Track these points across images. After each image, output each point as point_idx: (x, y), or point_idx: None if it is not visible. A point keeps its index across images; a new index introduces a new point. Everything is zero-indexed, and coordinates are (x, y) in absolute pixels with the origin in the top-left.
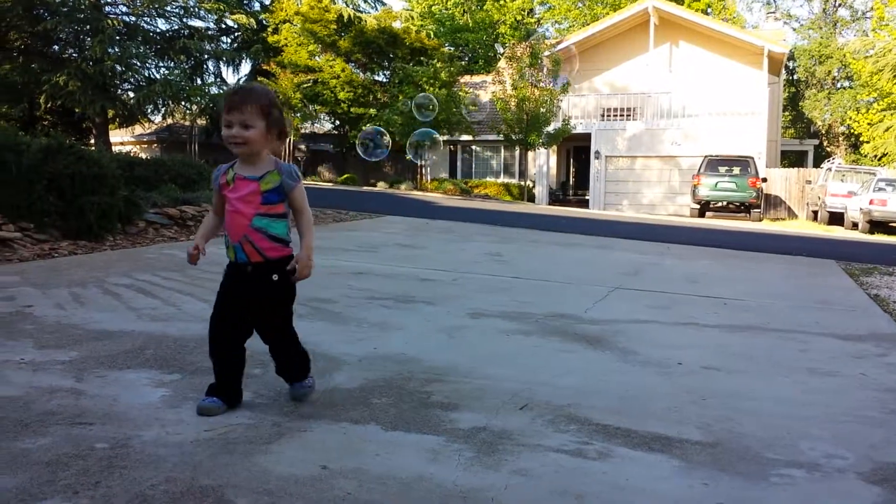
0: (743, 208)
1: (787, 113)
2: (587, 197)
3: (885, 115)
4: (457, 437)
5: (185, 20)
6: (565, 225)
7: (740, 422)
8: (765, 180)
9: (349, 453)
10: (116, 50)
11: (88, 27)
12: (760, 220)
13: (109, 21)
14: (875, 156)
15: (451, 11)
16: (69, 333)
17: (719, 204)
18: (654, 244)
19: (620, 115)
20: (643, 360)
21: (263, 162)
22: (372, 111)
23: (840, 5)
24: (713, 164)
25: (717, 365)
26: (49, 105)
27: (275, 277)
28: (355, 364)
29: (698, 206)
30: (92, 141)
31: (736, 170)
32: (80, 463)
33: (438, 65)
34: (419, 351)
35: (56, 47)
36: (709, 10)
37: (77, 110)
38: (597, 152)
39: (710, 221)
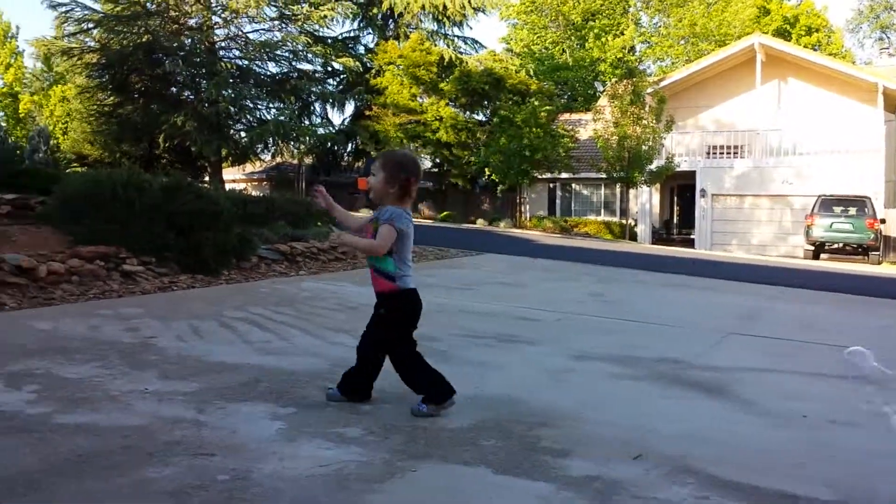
0: (860, 250)
1: None
2: (692, 236)
3: None
4: (568, 485)
5: (293, 63)
6: (671, 265)
7: (872, 481)
8: (883, 221)
9: (460, 496)
10: (230, 92)
11: (204, 70)
12: (880, 263)
13: (224, 64)
14: None
15: (550, 51)
16: (190, 365)
17: (835, 245)
18: (767, 287)
19: (727, 153)
20: (763, 411)
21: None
22: (467, 154)
23: None
24: (827, 203)
25: (844, 419)
26: (167, 144)
27: (381, 311)
28: (462, 404)
29: (812, 248)
30: (206, 178)
31: (852, 210)
32: (203, 494)
33: (536, 103)
34: (524, 392)
35: (174, 89)
36: (816, 47)
37: (193, 149)
38: (703, 190)
39: (826, 264)
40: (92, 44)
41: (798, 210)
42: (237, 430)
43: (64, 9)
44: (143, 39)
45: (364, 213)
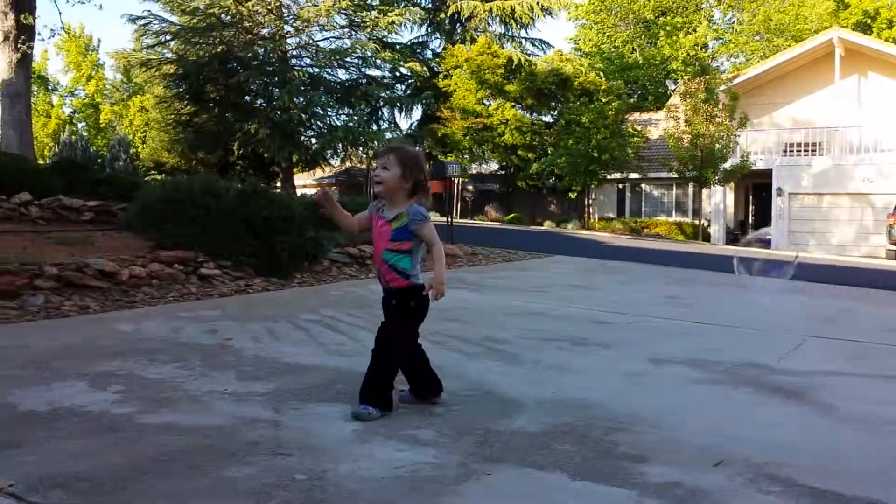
0: None
1: None
2: (768, 237)
3: None
4: (649, 492)
5: (362, 69)
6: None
7: None
8: None
9: (536, 501)
10: (301, 99)
11: (276, 79)
12: None
13: (296, 73)
14: None
15: (620, 50)
16: (266, 366)
17: None
18: (846, 288)
19: (804, 151)
20: (846, 417)
21: (398, 205)
22: (533, 156)
23: None
24: None
25: None
26: (241, 151)
27: (392, 303)
28: (535, 407)
29: (895, 248)
30: (278, 184)
31: None
32: (282, 493)
33: (604, 100)
34: (599, 396)
35: (247, 98)
36: None
37: (266, 156)
38: (779, 189)
39: None
40: (169, 55)
41: (879, 209)
42: (313, 430)
43: (143, 22)
44: (218, 50)
45: (431, 216)
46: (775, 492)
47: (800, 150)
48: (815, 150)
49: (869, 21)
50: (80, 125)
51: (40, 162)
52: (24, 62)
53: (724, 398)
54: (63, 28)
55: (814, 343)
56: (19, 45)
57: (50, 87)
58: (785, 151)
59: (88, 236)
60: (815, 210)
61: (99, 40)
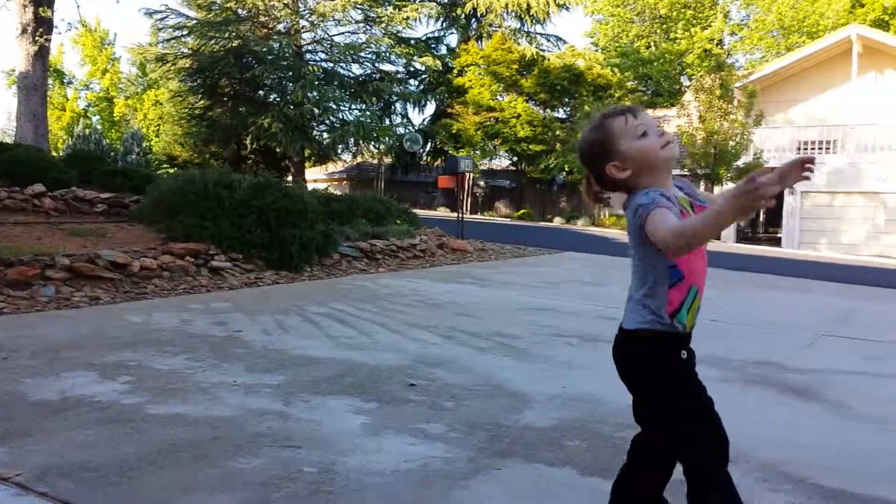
0: None
1: None
2: (779, 235)
3: None
4: None
5: (376, 64)
6: (759, 265)
7: None
8: None
9: (546, 497)
10: (315, 94)
11: (290, 73)
12: None
13: (310, 67)
14: None
15: (635, 46)
16: (275, 358)
17: None
18: (860, 287)
19: (818, 148)
20: (858, 415)
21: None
22: (544, 148)
23: None
24: None
25: None
26: (254, 145)
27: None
28: (545, 403)
29: None
30: (290, 178)
31: None
32: (290, 486)
33: (618, 95)
34: (609, 393)
35: (261, 92)
36: None
37: (278, 150)
38: (791, 188)
39: None
40: (185, 50)
41: (893, 208)
42: (322, 423)
43: (159, 16)
44: (234, 44)
45: (442, 212)
46: (786, 489)
47: (814, 148)
48: (829, 148)
49: (887, 18)
50: (94, 118)
51: (54, 154)
52: (41, 55)
53: (735, 396)
54: (80, 22)
55: (826, 342)
56: (37, 38)
57: (66, 81)
58: (798, 149)
59: (101, 228)
60: (827, 209)
61: (115, 34)
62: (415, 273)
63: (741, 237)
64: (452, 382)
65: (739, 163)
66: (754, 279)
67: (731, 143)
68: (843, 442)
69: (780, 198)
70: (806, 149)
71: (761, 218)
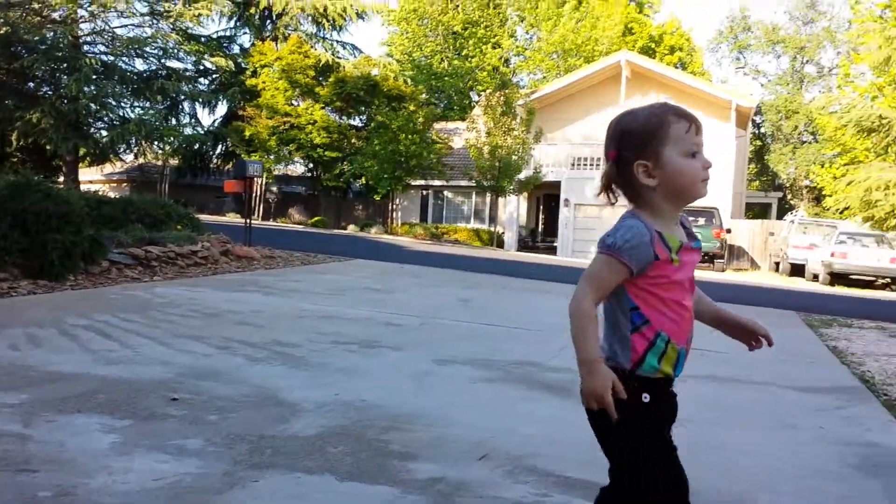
0: (707, 258)
1: (752, 166)
2: (556, 244)
3: (847, 170)
4: (413, 489)
5: (163, 61)
6: (534, 272)
7: (703, 475)
8: (728, 231)
9: None
10: (92, 89)
11: (66, 65)
12: (724, 270)
13: (88, 60)
14: (837, 209)
15: (429, 60)
16: (22, 375)
17: None
18: None
19: (590, 165)
20: None
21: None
22: (340, 155)
23: (808, 62)
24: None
25: (686, 416)
26: (21, 142)
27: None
28: (314, 410)
29: None
30: (61, 179)
31: (701, 220)
32: None
33: (412, 108)
34: (381, 397)
35: (31, 84)
36: (679, 66)
37: (48, 147)
38: (566, 200)
39: None
40: None
41: None
42: (66, 444)
43: None
44: (1, 32)
45: (232, 218)
46: (531, 481)
47: (586, 164)
48: (598, 165)
49: (653, 45)
50: None
51: None
52: None
53: (499, 396)
54: None
55: None
56: None
57: None
58: (573, 165)
59: None
60: (597, 220)
61: None
62: (194, 281)
63: (522, 246)
64: (221, 395)
65: (521, 176)
66: (528, 285)
67: (513, 157)
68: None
69: (557, 209)
70: (579, 164)
71: (541, 228)
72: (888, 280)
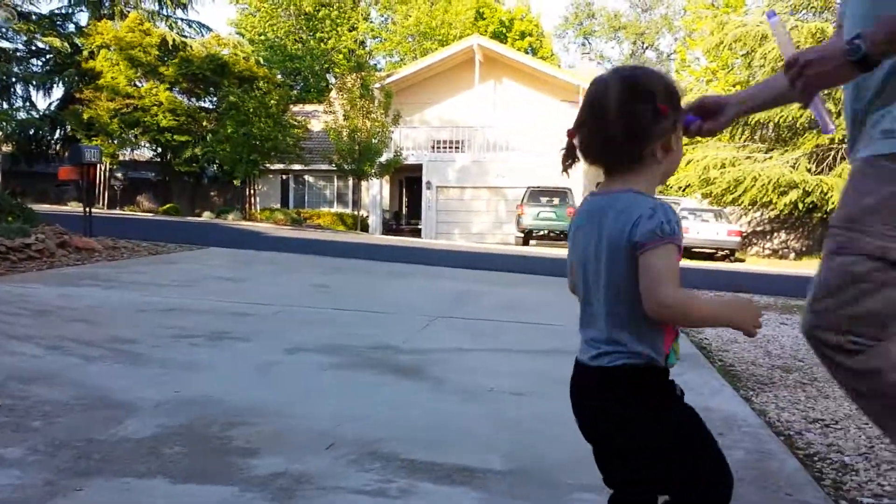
0: (563, 236)
1: None
2: (420, 226)
3: (687, 150)
4: (252, 486)
5: None
6: (397, 255)
7: (544, 448)
8: None
9: None
10: None
11: None
12: None
13: None
14: (679, 187)
15: (283, 41)
16: None
17: (542, 232)
18: (480, 272)
19: (450, 148)
20: (454, 389)
21: None
22: (190, 140)
23: (647, 48)
24: (535, 194)
25: (526, 390)
26: None
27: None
28: (150, 410)
29: (522, 235)
30: None
31: (556, 200)
32: None
33: (266, 88)
34: (225, 392)
35: None
36: (529, 51)
37: None
38: (428, 183)
39: (533, 249)
40: None
41: (511, 201)
42: None
43: None
44: None
45: (74, 207)
46: (375, 468)
47: (447, 147)
48: (458, 148)
49: (504, 31)
50: None
51: None
52: None
53: (350, 382)
54: None
55: (441, 323)
56: None
57: None
58: (433, 148)
59: None
60: (459, 202)
61: None
62: (25, 277)
63: (387, 229)
64: (48, 399)
65: (382, 159)
66: (389, 268)
67: (373, 140)
68: (435, 415)
69: (420, 192)
70: (439, 148)
71: (404, 211)
72: (727, 252)
